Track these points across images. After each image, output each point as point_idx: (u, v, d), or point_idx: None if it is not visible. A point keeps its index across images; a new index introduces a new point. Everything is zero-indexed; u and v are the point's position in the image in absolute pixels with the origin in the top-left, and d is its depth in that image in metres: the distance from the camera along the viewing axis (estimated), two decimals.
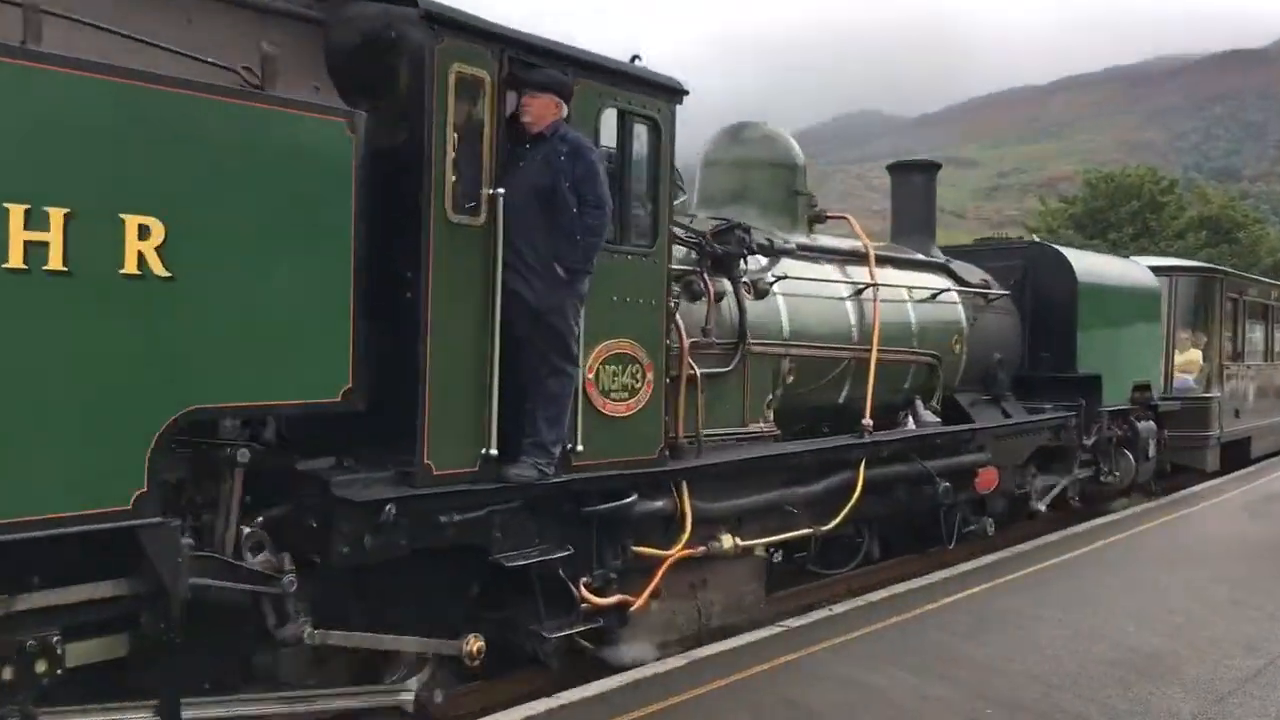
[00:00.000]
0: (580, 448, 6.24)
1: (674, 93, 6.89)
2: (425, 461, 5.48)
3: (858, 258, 9.67)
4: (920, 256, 10.92)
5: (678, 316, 7.18)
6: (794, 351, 8.45)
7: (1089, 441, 12.28)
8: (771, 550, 9.41)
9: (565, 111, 6.06)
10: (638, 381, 6.63)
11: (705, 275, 7.60)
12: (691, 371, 7.26)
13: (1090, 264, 12.98)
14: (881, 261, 9.97)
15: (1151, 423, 13.86)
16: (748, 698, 6.13)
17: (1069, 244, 22.80)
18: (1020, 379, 12.14)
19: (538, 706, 5.87)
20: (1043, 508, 11.27)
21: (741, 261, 7.93)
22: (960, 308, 10.73)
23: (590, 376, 6.33)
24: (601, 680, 6.36)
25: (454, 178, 5.60)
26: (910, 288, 10.09)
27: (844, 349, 9.00)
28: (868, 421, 8.94)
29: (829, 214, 9.97)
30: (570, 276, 5.90)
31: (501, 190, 5.75)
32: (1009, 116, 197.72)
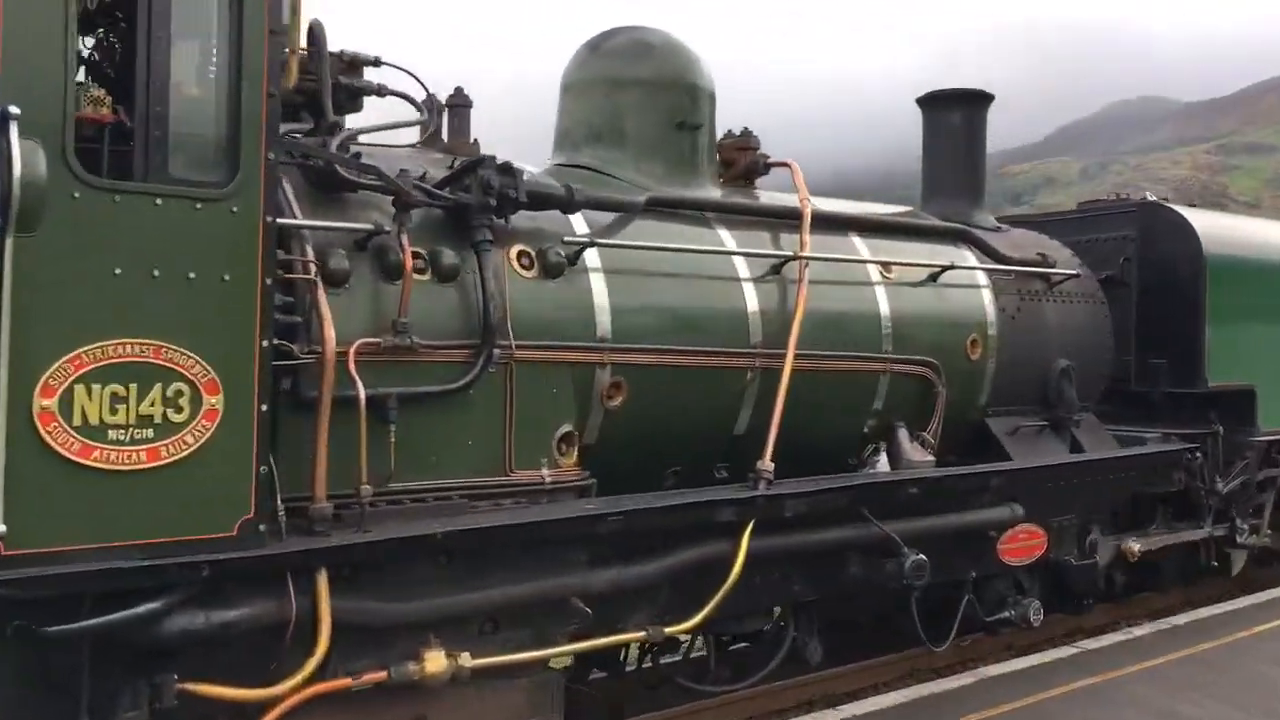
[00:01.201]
0: (2, 527, 3.63)
1: None
2: None
3: (797, 220, 6.56)
4: (930, 221, 7.61)
5: (322, 301, 4.48)
6: (618, 358, 5.50)
7: (1226, 487, 8.58)
8: (650, 654, 6.46)
9: None
10: (181, 411, 3.95)
11: (404, 239, 4.80)
12: (352, 392, 4.51)
13: (1229, 230, 9.18)
14: (839, 226, 6.83)
15: None
16: None
17: None
18: (1124, 395, 8.64)
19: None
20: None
21: (496, 219, 5.09)
22: (986, 294, 7.37)
23: (46, 404, 3.71)
24: (891, 694, 6.31)
25: None
26: (887, 264, 6.86)
27: (729, 354, 5.95)
28: (765, 465, 5.83)
29: (771, 161, 6.93)
30: None
31: None
32: None
